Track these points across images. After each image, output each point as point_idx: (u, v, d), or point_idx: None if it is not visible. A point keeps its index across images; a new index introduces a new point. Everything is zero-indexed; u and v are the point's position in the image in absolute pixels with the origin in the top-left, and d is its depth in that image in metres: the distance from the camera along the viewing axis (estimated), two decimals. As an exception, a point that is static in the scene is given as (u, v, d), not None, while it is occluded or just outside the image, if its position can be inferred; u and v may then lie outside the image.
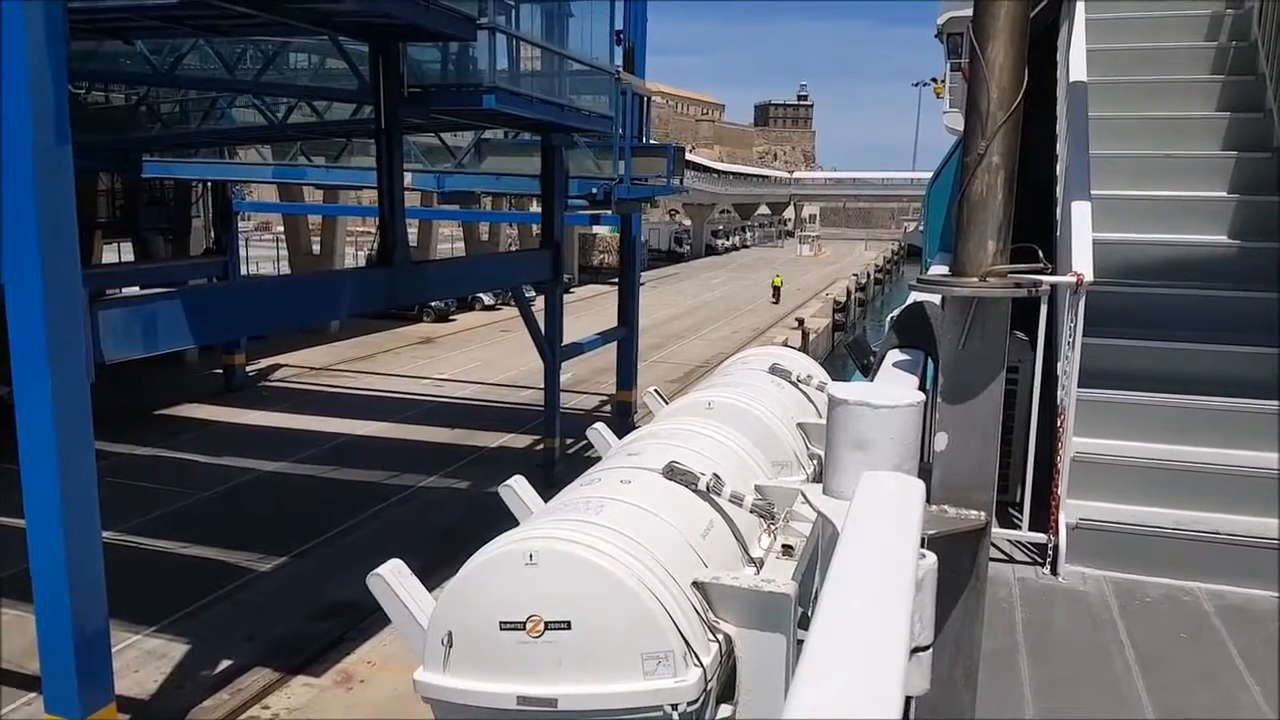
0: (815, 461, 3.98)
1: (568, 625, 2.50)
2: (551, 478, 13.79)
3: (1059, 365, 3.85)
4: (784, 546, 3.25)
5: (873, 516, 1.80)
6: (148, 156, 20.57)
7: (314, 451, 17.86)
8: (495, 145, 19.99)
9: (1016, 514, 4.06)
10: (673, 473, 3.06)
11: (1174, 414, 3.97)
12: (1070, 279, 3.66)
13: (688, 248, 67.40)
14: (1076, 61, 5.20)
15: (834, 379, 4.88)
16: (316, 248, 32.01)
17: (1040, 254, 2.85)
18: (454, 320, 33.61)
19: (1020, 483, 4.08)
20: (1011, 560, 3.91)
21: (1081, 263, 3.73)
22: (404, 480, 16.19)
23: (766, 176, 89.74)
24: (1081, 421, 3.86)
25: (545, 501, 3.34)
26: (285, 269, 33.38)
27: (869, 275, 54.47)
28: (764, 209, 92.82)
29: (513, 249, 38.26)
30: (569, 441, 17.02)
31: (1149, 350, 4.17)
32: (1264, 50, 5.45)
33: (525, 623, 2.52)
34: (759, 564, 3.12)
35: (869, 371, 4.26)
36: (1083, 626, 3.42)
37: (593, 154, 18.01)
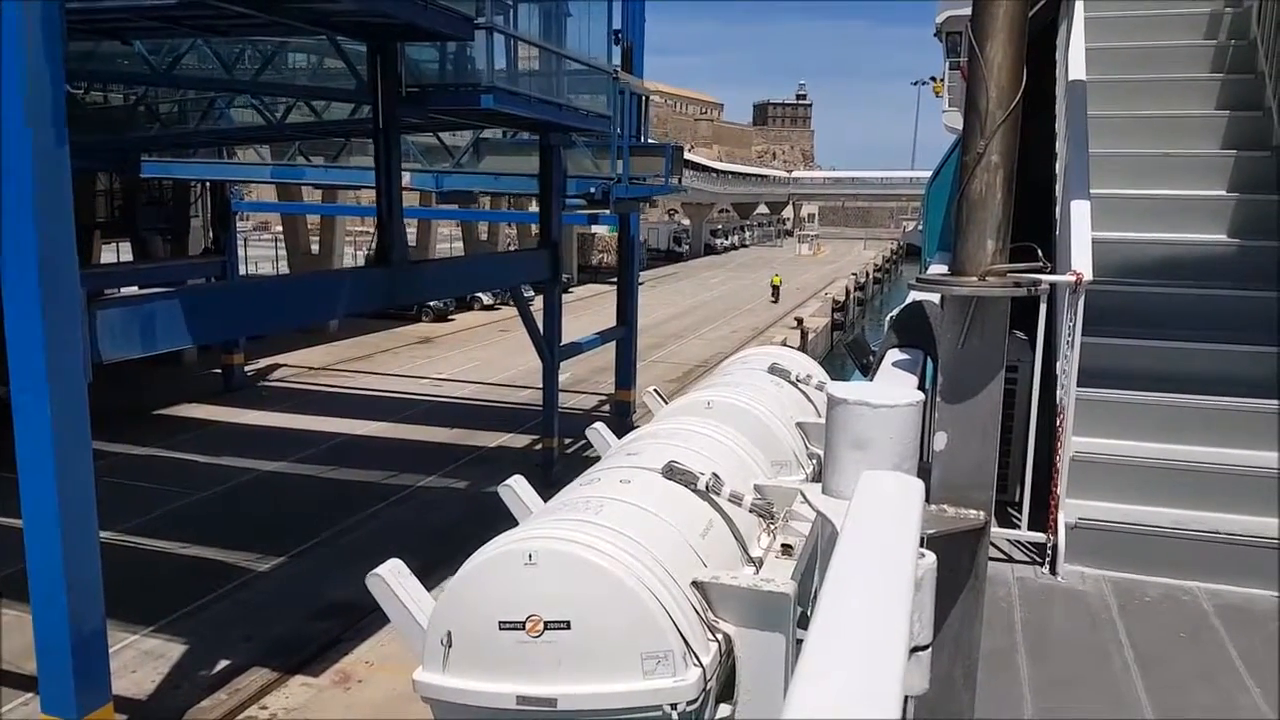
0: (814, 461, 3.97)
1: (567, 625, 2.50)
2: (550, 477, 13.79)
3: (1058, 364, 3.85)
4: (783, 546, 3.24)
5: (872, 516, 1.80)
6: (146, 156, 20.55)
7: (312, 451, 17.85)
8: (493, 145, 19.98)
9: (1015, 513, 4.06)
10: (672, 472, 3.06)
11: (1173, 413, 3.97)
12: (1069, 278, 3.65)
13: (686, 247, 67.40)
14: (1075, 60, 5.20)
15: (833, 378, 4.88)
16: (315, 247, 32.00)
17: (1039, 253, 2.85)
18: (453, 320, 33.60)
19: (1019, 482, 4.08)
20: (1010, 560, 3.91)
21: (1080, 262, 3.73)
22: (402, 480, 16.18)
23: (765, 176, 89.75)
24: (1081, 421, 3.86)
25: (544, 501, 3.33)
26: (284, 269, 33.35)
27: (868, 275, 54.49)
28: (763, 208, 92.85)
29: (511, 249, 38.24)
30: (568, 441, 17.02)
31: (1148, 349, 4.17)
32: (1263, 48, 5.45)
33: (525, 622, 2.52)
34: (758, 563, 3.12)
35: (868, 371, 4.26)
36: (1082, 626, 3.42)
37: (591, 153, 18.00)
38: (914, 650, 1.80)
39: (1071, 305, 3.68)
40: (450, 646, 2.61)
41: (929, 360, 3.64)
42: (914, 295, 4.04)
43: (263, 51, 12.79)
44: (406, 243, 12.54)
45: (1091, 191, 4.25)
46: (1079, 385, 3.77)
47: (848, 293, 44.49)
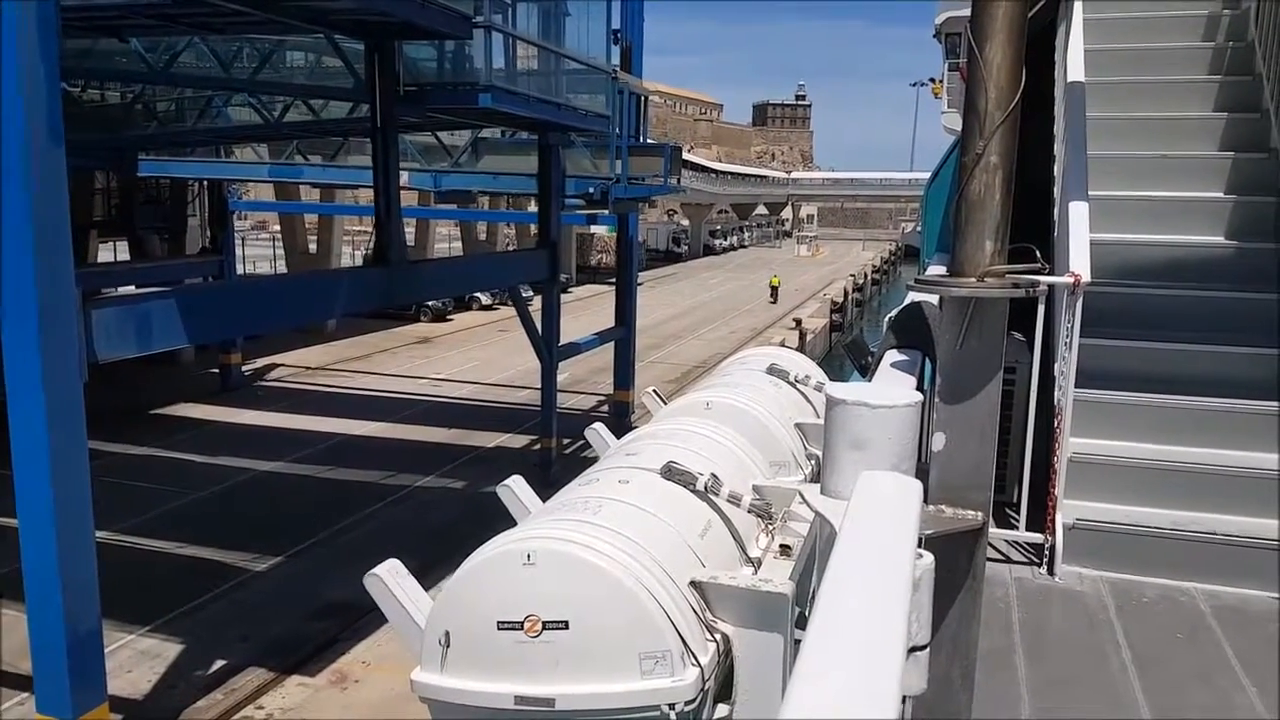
0: (813, 461, 3.97)
1: (565, 625, 2.49)
2: (549, 478, 13.78)
3: (1056, 365, 3.86)
4: (782, 546, 3.24)
5: (870, 516, 1.80)
6: (143, 155, 20.50)
7: (310, 451, 17.83)
8: (492, 144, 19.97)
9: (1013, 514, 4.06)
10: (671, 473, 3.06)
11: (1170, 414, 3.97)
12: (1068, 279, 3.66)
13: (685, 248, 67.42)
14: (1074, 62, 5.21)
15: (832, 379, 4.88)
16: (313, 247, 31.95)
17: (1038, 254, 2.85)
18: (451, 320, 33.57)
19: (1017, 483, 4.08)
20: (1008, 560, 3.91)
21: (1079, 263, 3.73)
22: (400, 480, 16.16)
23: (764, 176, 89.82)
24: (1078, 422, 3.86)
25: (543, 501, 3.33)
26: (282, 268, 33.31)
27: (866, 276, 54.56)
28: (762, 209, 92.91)
29: (510, 249, 38.22)
30: (566, 441, 17.01)
31: (1146, 351, 4.17)
32: (1261, 50, 5.46)
33: (523, 622, 2.51)
34: (757, 564, 3.12)
35: (867, 372, 4.26)
36: (1079, 626, 3.42)
37: (590, 153, 18.00)
38: (912, 650, 1.80)
39: (1070, 306, 3.69)
40: (448, 646, 2.60)
41: (927, 361, 3.64)
42: (912, 296, 4.05)
43: (260, 50, 12.77)
44: (404, 242, 12.53)
45: (1090, 193, 4.25)
46: (1077, 386, 3.77)
47: (846, 294, 44.53)
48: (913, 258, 55.72)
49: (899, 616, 1.37)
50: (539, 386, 16.85)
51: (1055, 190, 5.15)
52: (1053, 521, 3.80)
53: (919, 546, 1.77)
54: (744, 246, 77.78)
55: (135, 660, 10.05)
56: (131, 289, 18.09)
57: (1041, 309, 3.73)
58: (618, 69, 16.33)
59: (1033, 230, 3.43)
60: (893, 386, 2.77)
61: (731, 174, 75.45)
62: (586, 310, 31.02)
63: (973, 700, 2.63)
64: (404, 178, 17.25)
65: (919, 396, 2.22)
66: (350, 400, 22.04)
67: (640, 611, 2.46)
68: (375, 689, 9.59)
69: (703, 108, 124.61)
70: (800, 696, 1.11)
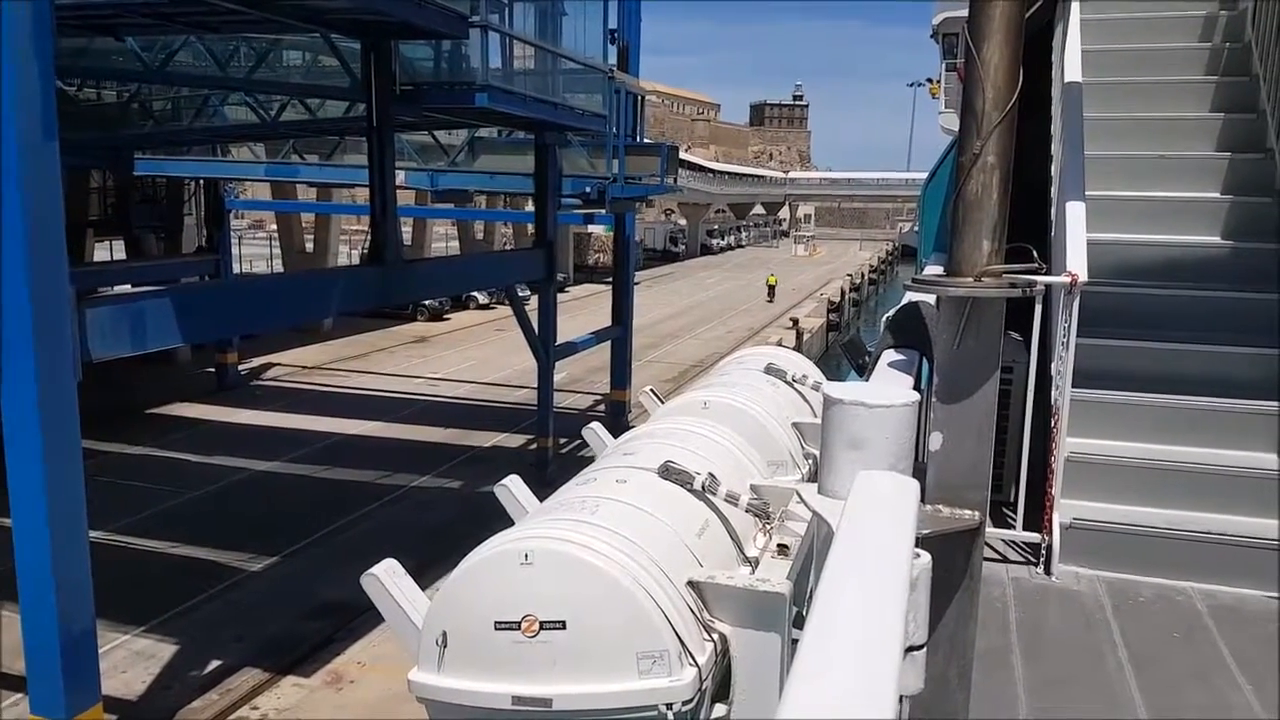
0: (811, 461, 3.97)
1: (563, 625, 2.49)
2: (545, 477, 13.77)
3: (1053, 365, 3.86)
4: (779, 546, 3.24)
5: (867, 516, 1.80)
6: (140, 154, 20.45)
7: (306, 451, 17.79)
8: (489, 144, 19.94)
9: (1010, 514, 4.07)
10: (668, 472, 3.05)
11: (1167, 414, 3.98)
12: (1065, 279, 3.66)
13: (683, 247, 67.45)
14: (1071, 62, 5.21)
15: (829, 379, 4.88)
16: (310, 246, 31.89)
17: (1035, 254, 2.85)
18: (448, 319, 33.53)
19: (1014, 482, 4.08)
20: (1005, 560, 3.91)
21: (1076, 263, 3.73)
22: (397, 480, 16.14)
23: (762, 176, 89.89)
24: (1075, 421, 3.87)
25: (540, 501, 3.32)
26: (279, 267, 33.24)
27: (863, 275, 54.64)
28: (759, 209, 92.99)
29: (508, 248, 38.20)
30: (563, 441, 17.00)
31: (1143, 350, 4.18)
32: (1257, 51, 5.48)
33: (520, 622, 2.51)
34: (754, 563, 3.11)
35: (864, 371, 4.26)
36: (1076, 626, 3.43)
37: (587, 153, 17.98)
38: (909, 650, 1.80)
39: (1066, 306, 3.69)
40: (445, 646, 2.59)
41: (925, 361, 3.64)
42: (910, 296, 4.05)
43: (257, 49, 12.74)
44: (401, 241, 12.52)
45: (1087, 193, 4.26)
46: (1074, 386, 3.77)
47: (843, 293, 44.59)
48: (910, 257, 55.79)
49: (896, 616, 1.37)
50: (536, 386, 16.84)
51: (1052, 190, 5.16)
52: (1050, 521, 3.80)
53: (916, 546, 1.77)
54: (741, 246, 77.83)
55: (130, 660, 10.02)
56: (127, 288, 18.02)
57: (1038, 309, 3.73)
58: (614, 68, 16.32)
59: (1030, 230, 3.43)
60: (890, 386, 2.77)
61: (729, 174, 75.48)
62: (583, 309, 31.02)
63: (970, 700, 2.63)
64: (400, 177, 17.24)
65: (916, 396, 2.22)
66: (347, 400, 22.00)
67: (638, 611, 2.46)
68: (370, 689, 9.57)
69: (700, 107, 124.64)
70: (798, 696, 1.11)
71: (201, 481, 15.76)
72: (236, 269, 26.76)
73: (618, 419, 18.30)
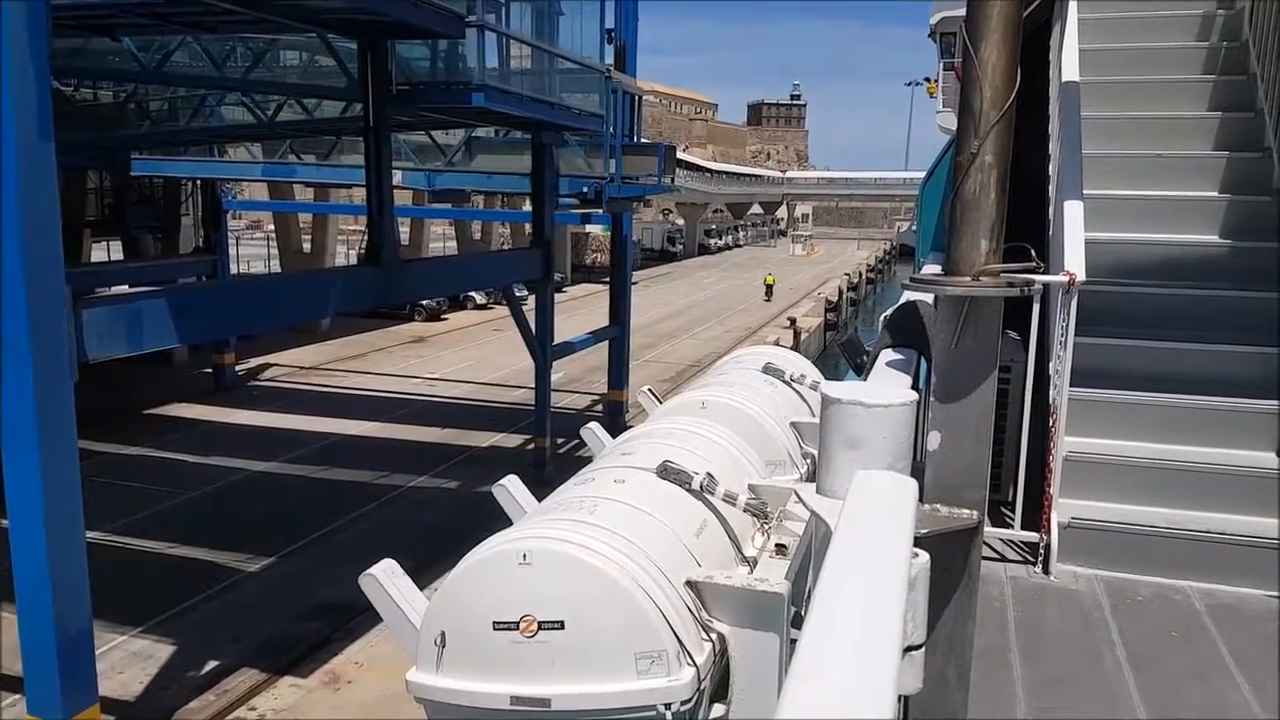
0: (809, 460, 3.97)
1: (561, 625, 2.48)
2: (543, 477, 13.77)
3: (1051, 364, 3.86)
4: (777, 545, 3.24)
5: (866, 515, 1.79)
6: (137, 154, 20.41)
7: (304, 451, 17.77)
8: (486, 143, 19.93)
9: (1009, 513, 4.07)
10: (666, 472, 3.05)
11: (1165, 413, 3.98)
12: (1063, 278, 3.66)
13: (680, 247, 67.46)
14: (1069, 61, 5.21)
15: (827, 378, 4.88)
16: (307, 246, 31.85)
17: (1033, 253, 2.85)
18: (445, 319, 33.51)
19: (1012, 482, 4.08)
20: (1004, 559, 3.91)
21: (1074, 262, 3.73)
22: (394, 480, 16.12)
23: (759, 176, 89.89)
24: (1073, 421, 3.87)
25: (539, 501, 3.32)
26: (276, 267, 33.20)
27: (861, 275, 54.68)
28: (757, 208, 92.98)
29: (505, 247, 38.18)
30: (560, 441, 17.00)
31: (1140, 350, 4.18)
32: (1255, 50, 5.48)
33: (519, 622, 2.50)
34: (752, 563, 3.11)
35: (862, 370, 4.26)
36: (1074, 625, 3.43)
37: (584, 152, 17.98)
38: (908, 649, 1.80)
39: (1064, 305, 3.69)
40: (444, 647, 2.59)
41: (923, 360, 3.64)
42: (908, 295, 4.05)
43: (253, 49, 12.72)
44: (398, 241, 12.51)
45: (1085, 192, 4.26)
46: (1072, 385, 3.77)
47: (841, 293, 44.61)
48: (908, 257, 55.88)
49: (895, 615, 1.36)
50: (533, 386, 16.83)
51: (1050, 189, 5.17)
52: (1048, 520, 3.81)
53: (914, 545, 1.77)
54: (739, 246, 77.85)
55: (127, 661, 10.00)
56: (125, 288, 18.00)
57: (1036, 308, 3.73)
58: (611, 68, 16.32)
59: (1028, 229, 3.43)
60: (888, 385, 2.77)
61: (726, 173, 75.49)
62: (581, 309, 31.01)
63: (968, 699, 2.63)
64: (398, 177, 17.21)
65: (914, 395, 2.21)
66: (344, 400, 21.97)
67: (636, 611, 2.46)
68: (368, 689, 9.56)
69: (698, 107, 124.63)
70: (796, 696, 1.11)
71: (199, 482, 15.73)
72: (234, 269, 26.74)
73: (615, 419, 18.29)
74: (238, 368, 23.86)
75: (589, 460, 3.69)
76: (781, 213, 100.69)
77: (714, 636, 2.62)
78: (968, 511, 2.65)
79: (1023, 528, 3.95)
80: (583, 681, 2.49)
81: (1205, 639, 3.31)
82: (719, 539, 3.02)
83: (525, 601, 2.51)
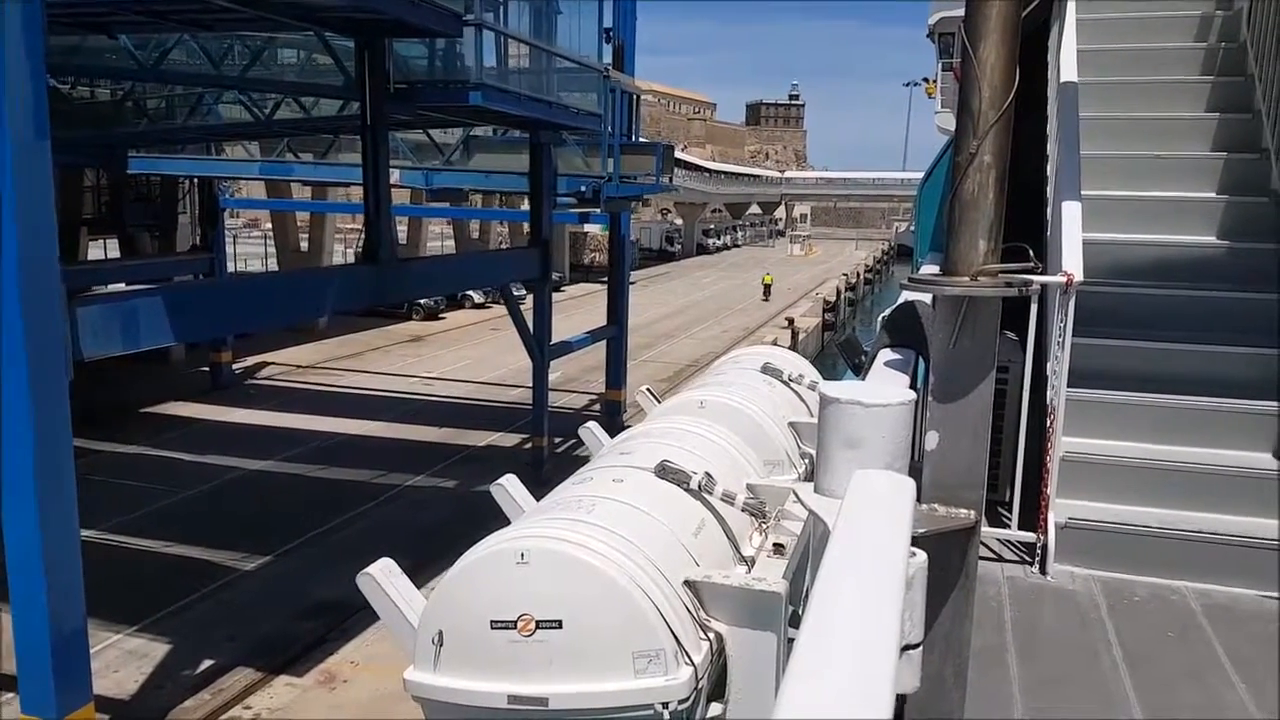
0: (807, 460, 3.97)
1: (559, 624, 2.48)
2: (540, 476, 13.76)
3: (1049, 365, 3.86)
4: (775, 545, 3.24)
5: (864, 515, 1.79)
6: (134, 152, 20.36)
7: (300, 450, 17.75)
8: (484, 142, 19.92)
9: (1006, 513, 4.07)
10: (664, 471, 3.05)
11: (1162, 414, 3.99)
12: (1060, 279, 3.66)
13: (679, 247, 67.46)
14: (1067, 62, 5.21)
15: (825, 378, 4.88)
16: (305, 244, 31.81)
17: (1031, 253, 2.85)
18: (443, 318, 33.49)
19: (1010, 482, 4.09)
20: (1001, 559, 3.91)
21: (1071, 262, 3.74)
22: (391, 479, 16.10)
23: (758, 176, 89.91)
24: (1071, 421, 3.87)
25: (536, 500, 3.31)
26: (274, 266, 33.15)
27: (859, 275, 54.71)
28: (755, 208, 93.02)
29: (504, 247, 38.15)
30: (558, 440, 16.99)
31: (1138, 350, 4.19)
32: (1253, 51, 5.49)
33: (516, 622, 2.50)
34: (750, 562, 3.11)
35: (860, 370, 4.26)
36: (1071, 625, 3.43)
37: (582, 152, 17.98)
38: (905, 649, 1.80)
39: (1062, 306, 3.69)
40: (441, 646, 2.59)
41: (921, 360, 3.64)
42: (906, 295, 4.04)
43: (251, 47, 12.70)
44: (395, 240, 12.50)
45: (1083, 192, 4.26)
46: (1069, 385, 3.78)
47: (839, 293, 44.64)
48: (906, 257, 55.97)
49: (892, 615, 1.36)
50: (531, 385, 16.82)
51: (1048, 190, 5.17)
52: (1045, 520, 3.81)
53: (912, 545, 1.77)
54: (737, 246, 77.87)
55: (122, 660, 9.98)
56: (121, 286, 17.96)
57: (1034, 308, 3.73)
58: (609, 67, 16.31)
59: (1026, 230, 3.43)
60: (886, 385, 2.76)
61: (725, 173, 75.50)
62: (579, 309, 31.01)
63: (965, 699, 2.63)
64: (395, 175, 17.19)
65: (912, 395, 2.21)
66: (341, 399, 21.95)
67: (634, 610, 2.45)
68: (364, 689, 9.55)
69: (696, 107, 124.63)
70: (794, 695, 1.11)
71: (195, 481, 15.70)
72: (231, 268, 26.66)
73: (613, 418, 18.29)
74: (234, 366, 23.81)
75: (587, 459, 3.69)
76: (780, 213, 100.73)
77: (712, 636, 2.62)
78: (965, 511, 2.65)
79: (1020, 528, 3.96)
80: (580, 680, 2.49)
81: (1201, 639, 3.31)
82: (717, 538, 3.02)
83: (523, 600, 2.50)
